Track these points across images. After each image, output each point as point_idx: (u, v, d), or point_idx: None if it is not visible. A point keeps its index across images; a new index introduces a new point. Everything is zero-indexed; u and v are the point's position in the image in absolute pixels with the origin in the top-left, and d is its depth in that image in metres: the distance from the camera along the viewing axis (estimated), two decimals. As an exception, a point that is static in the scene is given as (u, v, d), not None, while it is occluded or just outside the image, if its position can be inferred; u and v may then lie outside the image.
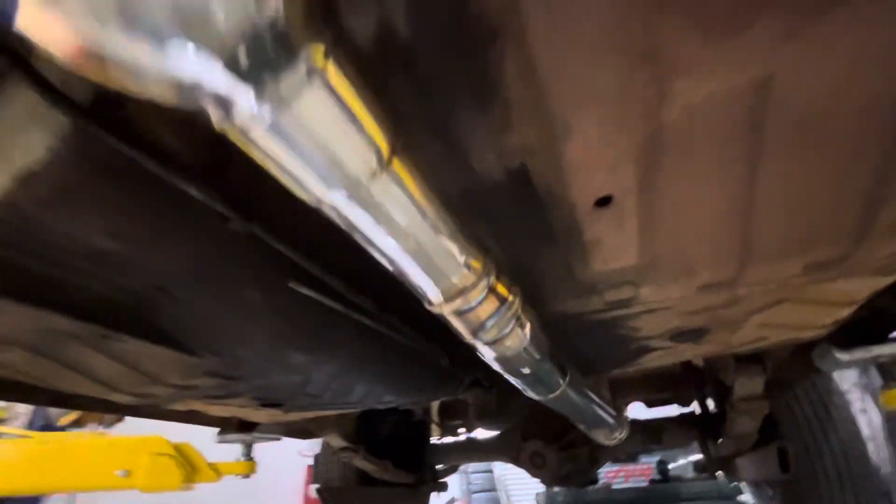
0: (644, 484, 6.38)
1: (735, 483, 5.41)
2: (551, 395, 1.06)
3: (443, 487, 2.99)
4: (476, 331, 0.70)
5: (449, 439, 3.19)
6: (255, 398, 1.44)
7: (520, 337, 0.76)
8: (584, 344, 1.26)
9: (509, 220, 0.78)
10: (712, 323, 1.16)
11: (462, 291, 0.64)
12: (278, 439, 2.06)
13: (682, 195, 0.70)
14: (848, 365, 1.47)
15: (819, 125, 0.61)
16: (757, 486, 2.56)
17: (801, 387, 2.06)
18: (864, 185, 0.70)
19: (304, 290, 1.03)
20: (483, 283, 0.65)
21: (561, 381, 1.04)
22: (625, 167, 0.62)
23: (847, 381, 2.48)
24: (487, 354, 0.78)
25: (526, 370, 0.89)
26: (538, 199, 0.72)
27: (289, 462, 7.08)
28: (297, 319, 1.07)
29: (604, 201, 0.68)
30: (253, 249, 0.95)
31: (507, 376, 0.94)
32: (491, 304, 0.68)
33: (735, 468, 2.19)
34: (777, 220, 0.77)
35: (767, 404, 1.82)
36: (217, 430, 1.98)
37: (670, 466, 6.35)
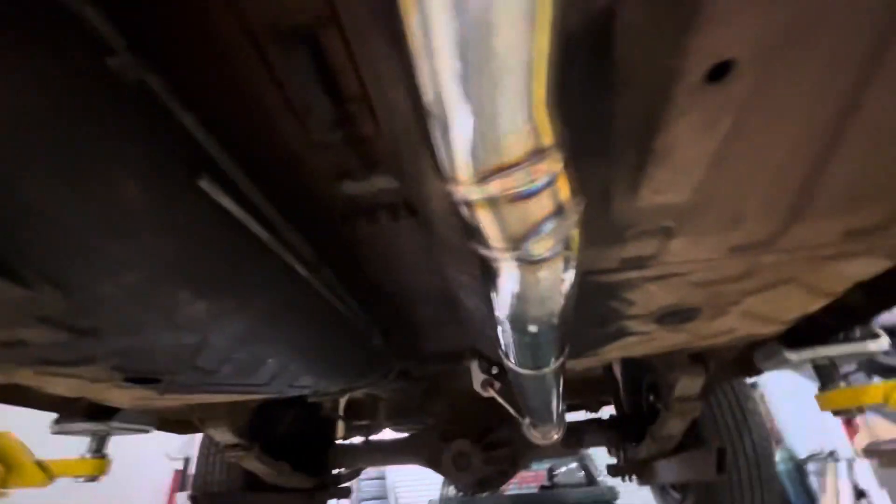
0: (534, 490, 6.55)
1: (612, 487, 5.72)
2: (542, 371, 0.85)
3: (345, 493, 2.65)
4: (523, 237, 0.46)
5: (356, 440, 2.86)
6: (117, 368, 1.03)
7: (559, 271, 0.53)
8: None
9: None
10: (708, 303, 1.04)
11: (519, 164, 0.40)
12: (147, 431, 1.60)
13: (787, 90, 0.53)
14: (793, 365, 1.47)
15: None
16: (663, 490, 2.61)
17: (722, 390, 2.11)
18: None
19: (222, 200, 0.70)
20: (549, 162, 0.41)
21: (554, 359, 0.83)
22: (773, 13, 0.43)
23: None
24: (508, 284, 0.54)
25: (532, 328, 0.67)
26: (611, 72, 0.51)
27: (150, 465, 6.07)
28: (199, 243, 0.73)
29: (721, 70, 0.49)
30: (142, 112, 0.61)
31: (502, 329, 0.71)
32: (547, 202, 0.45)
33: (653, 471, 2.18)
34: (854, 161, 0.65)
35: (700, 406, 1.80)
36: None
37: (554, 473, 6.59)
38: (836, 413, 1.46)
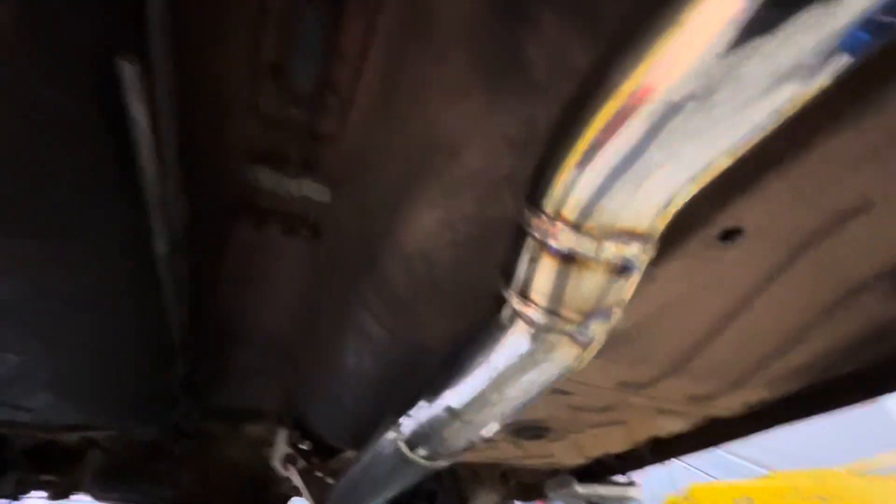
0: None
1: None
2: (435, 463, 0.71)
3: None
4: (590, 312, 0.41)
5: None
6: None
7: (569, 362, 0.48)
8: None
9: None
10: (563, 426, 1.09)
11: (644, 237, 0.36)
12: None
13: (744, 270, 0.63)
14: (579, 499, 1.61)
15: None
16: None
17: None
18: (792, 335, 0.79)
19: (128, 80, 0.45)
20: (648, 250, 0.39)
21: (455, 454, 0.73)
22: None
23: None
24: (507, 352, 0.46)
25: (479, 413, 0.57)
26: None
27: None
28: (31, 98, 0.45)
29: (731, 234, 0.55)
30: None
31: (427, 402, 0.58)
32: (624, 288, 0.41)
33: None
34: (726, 346, 0.79)
35: (484, 524, 1.80)
36: None
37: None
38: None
